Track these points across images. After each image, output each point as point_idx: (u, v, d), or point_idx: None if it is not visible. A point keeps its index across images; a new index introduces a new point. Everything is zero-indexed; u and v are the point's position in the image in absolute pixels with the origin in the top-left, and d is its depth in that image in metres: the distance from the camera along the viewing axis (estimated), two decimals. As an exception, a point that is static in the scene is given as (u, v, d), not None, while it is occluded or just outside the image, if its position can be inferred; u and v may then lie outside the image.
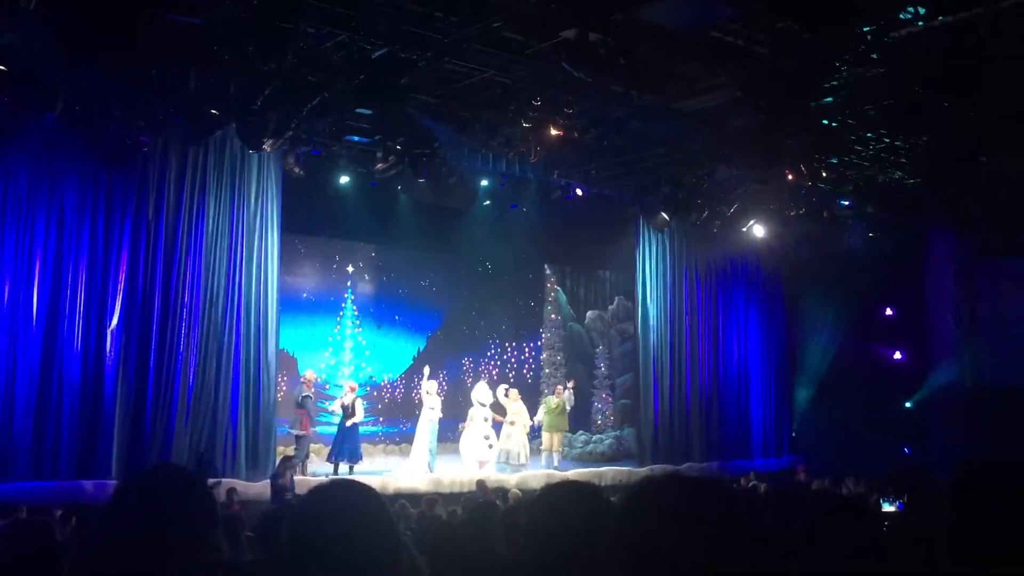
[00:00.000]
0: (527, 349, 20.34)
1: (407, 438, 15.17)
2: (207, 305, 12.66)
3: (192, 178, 12.59)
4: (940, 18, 8.89)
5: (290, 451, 13.33)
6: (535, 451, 16.11)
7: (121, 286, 12.06)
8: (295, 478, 12.12)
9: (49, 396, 11.57)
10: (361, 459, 14.45)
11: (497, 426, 15.54)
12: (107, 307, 12.00)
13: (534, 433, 16.20)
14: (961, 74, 9.75)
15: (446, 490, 13.61)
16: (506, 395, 15.84)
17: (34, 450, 11.40)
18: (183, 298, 12.47)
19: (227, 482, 11.65)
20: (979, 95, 10.46)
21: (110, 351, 11.93)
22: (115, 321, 11.98)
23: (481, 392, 15.63)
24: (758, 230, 16.61)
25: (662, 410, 17.07)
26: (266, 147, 11.27)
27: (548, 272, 19.76)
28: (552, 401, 16.43)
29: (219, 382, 12.71)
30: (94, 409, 11.80)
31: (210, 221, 12.77)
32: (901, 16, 8.95)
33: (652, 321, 17.21)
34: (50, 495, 10.87)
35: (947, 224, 16.53)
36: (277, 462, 12.42)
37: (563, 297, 19.79)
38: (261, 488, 12.19)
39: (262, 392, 13.12)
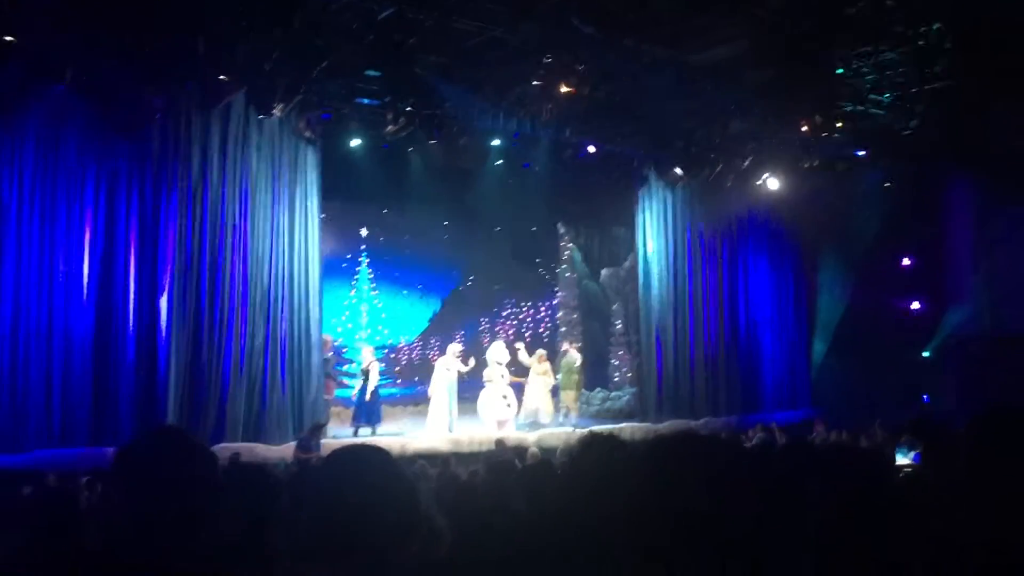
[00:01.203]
0: (542, 308, 20.39)
1: (426, 399, 15.26)
2: (254, 272, 12.77)
3: (234, 146, 12.54)
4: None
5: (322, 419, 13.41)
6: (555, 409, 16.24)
7: (170, 255, 12.08)
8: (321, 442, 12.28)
9: (106, 365, 11.67)
10: (381, 421, 14.59)
11: (515, 385, 15.61)
12: (158, 276, 12.03)
13: (554, 392, 16.32)
14: (974, 20, 9.59)
15: (465, 450, 13.69)
16: (531, 356, 15.96)
17: (94, 416, 11.51)
18: (230, 266, 12.56)
19: (247, 447, 11.81)
20: (991, 41, 10.30)
21: (164, 319, 11.98)
22: (166, 290, 12.02)
23: (498, 352, 15.68)
24: (772, 183, 16.45)
25: (666, 367, 16.82)
26: (276, 112, 11.25)
27: (562, 231, 19.70)
28: (561, 361, 16.52)
29: (267, 349, 12.84)
30: (149, 376, 11.87)
31: (253, 188, 12.80)
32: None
33: (655, 278, 16.93)
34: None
35: (964, 171, 16.36)
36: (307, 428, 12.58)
37: (577, 255, 19.75)
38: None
39: (308, 356, 13.28)
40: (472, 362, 15.44)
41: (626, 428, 15.70)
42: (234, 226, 12.62)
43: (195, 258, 12.30)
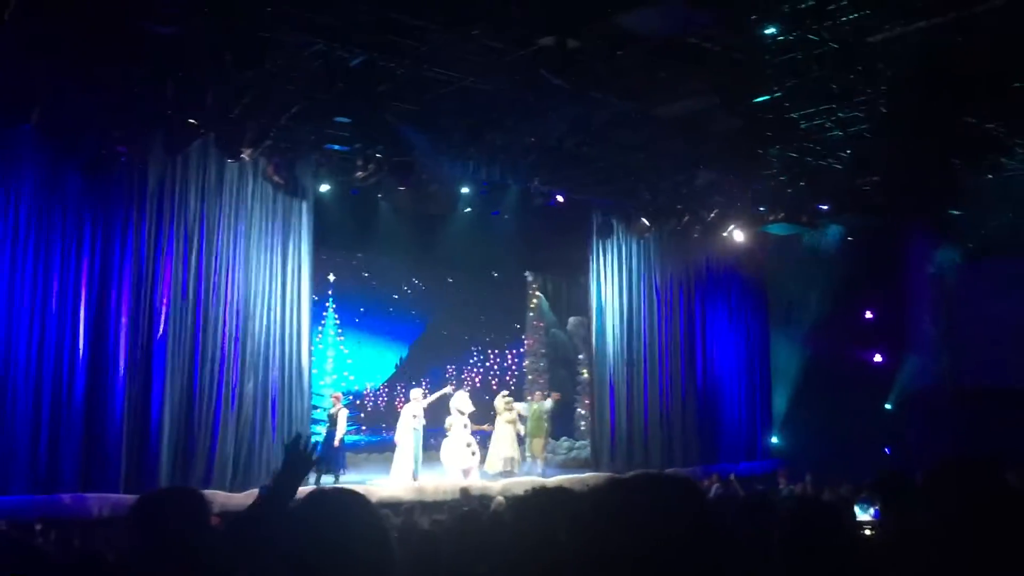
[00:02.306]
0: (509, 356, 20.36)
1: (391, 446, 15.13)
2: (246, 319, 12.95)
3: (228, 193, 12.76)
4: (916, 23, 8.94)
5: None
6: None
7: (164, 300, 12.19)
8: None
9: (95, 409, 11.63)
10: (345, 469, 14.43)
11: (477, 433, 15.52)
12: (152, 320, 12.11)
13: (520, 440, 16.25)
14: (936, 77, 9.83)
15: (430, 499, 13.58)
16: (505, 404, 15.91)
17: (84, 461, 11.47)
18: (223, 312, 12.73)
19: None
20: (954, 98, 10.55)
21: (155, 363, 12.05)
22: (159, 334, 12.10)
23: (461, 401, 15.60)
24: (737, 235, 16.63)
25: (618, 417, 16.67)
26: (244, 156, 11.24)
27: (530, 278, 19.77)
28: (534, 406, 16.51)
29: (257, 396, 12.98)
30: (142, 422, 11.89)
31: (247, 233, 13.05)
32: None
33: (609, 328, 16.86)
34: (93, 505, 11.15)
35: (925, 226, 16.65)
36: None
37: (545, 303, 19.81)
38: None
39: (298, 402, 13.46)
40: (432, 396, 15.32)
41: (590, 477, 15.64)
42: (226, 273, 12.79)
43: (189, 304, 12.42)
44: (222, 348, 12.69)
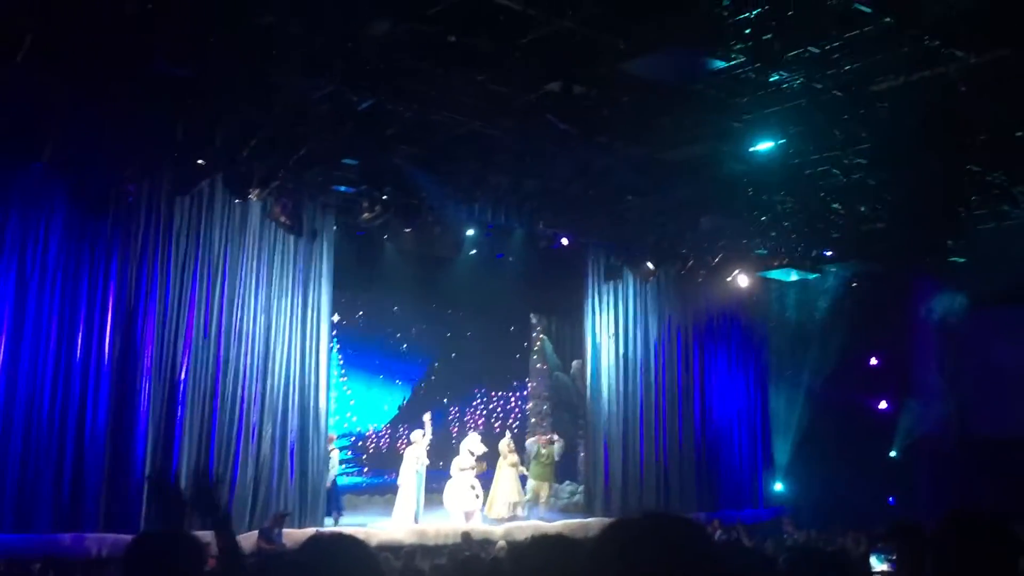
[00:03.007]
0: (513, 398, 20.29)
1: (393, 488, 15.02)
2: (266, 358, 13.05)
3: (253, 231, 12.93)
4: (919, 73, 9.03)
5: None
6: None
7: (187, 340, 12.31)
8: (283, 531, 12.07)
9: (118, 447, 11.68)
10: (343, 511, 14.33)
11: (482, 476, 15.43)
12: (177, 363, 12.22)
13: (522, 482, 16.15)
14: (940, 126, 9.90)
15: (431, 542, 13.45)
16: (509, 447, 15.84)
17: (106, 502, 11.49)
18: (244, 351, 12.84)
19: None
20: (958, 147, 10.62)
21: (178, 403, 12.13)
22: (182, 379, 12.22)
23: (473, 443, 15.52)
24: (742, 280, 16.64)
25: (612, 462, 16.39)
26: (252, 197, 11.32)
27: (534, 321, 19.76)
28: (542, 451, 16.39)
29: (276, 439, 13.06)
30: (163, 461, 11.93)
31: (268, 273, 13.21)
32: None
33: (604, 371, 16.61)
34: (92, 545, 11.14)
35: (929, 273, 16.66)
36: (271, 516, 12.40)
37: (549, 346, 19.77)
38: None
39: (316, 446, 13.53)
40: (429, 432, 15.20)
41: (594, 522, 15.50)
42: (249, 314, 12.92)
43: (211, 344, 12.54)
44: (243, 389, 12.79)
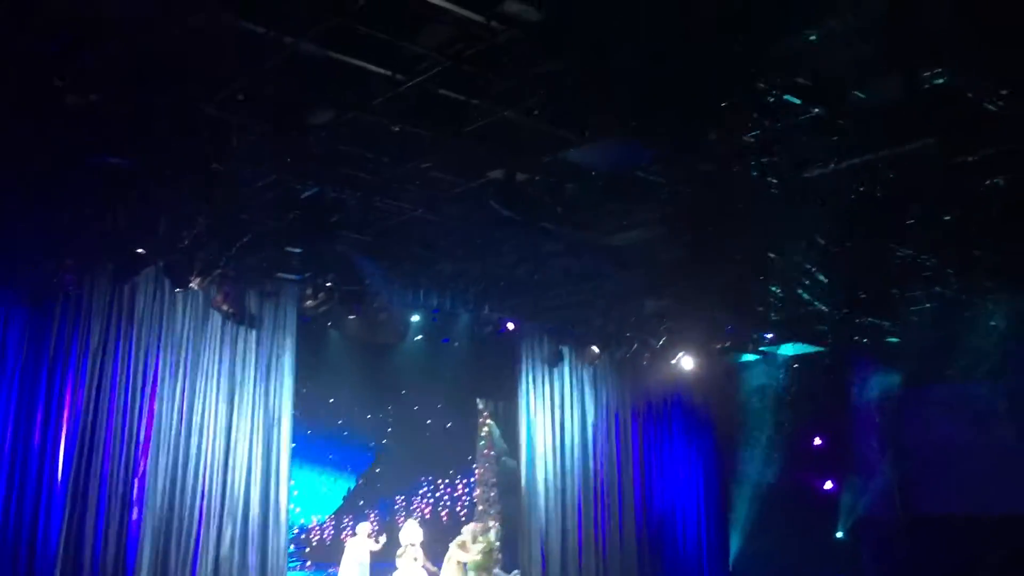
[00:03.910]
0: (460, 485, 20.00)
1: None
2: (227, 452, 12.88)
3: (215, 320, 12.79)
4: (849, 160, 9.33)
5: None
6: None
7: (147, 434, 12.13)
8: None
9: (71, 546, 11.40)
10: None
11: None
12: (134, 455, 12.02)
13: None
14: (870, 211, 10.22)
15: (376, 638, 13.07)
16: (459, 544, 15.46)
17: None
18: (206, 445, 12.66)
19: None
20: (889, 231, 10.94)
21: (137, 498, 11.93)
22: (141, 469, 12.04)
23: (411, 531, 15.15)
24: (686, 363, 16.71)
25: (550, 550, 15.93)
26: (193, 285, 11.19)
27: (480, 406, 19.61)
28: (478, 538, 15.94)
29: (236, 532, 12.81)
30: (122, 562, 11.71)
31: (231, 365, 13.08)
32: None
33: (540, 458, 16.27)
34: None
35: (868, 353, 16.94)
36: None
37: (496, 431, 19.59)
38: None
39: (275, 540, 13.22)
40: (383, 539, 14.91)
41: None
42: (208, 408, 12.77)
43: (171, 438, 12.36)
44: (203, 484, 12.57)
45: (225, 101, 8.13)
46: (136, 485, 11.93)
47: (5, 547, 10.86)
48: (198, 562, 12.34)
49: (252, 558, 12.87)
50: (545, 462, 16.27)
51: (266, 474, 13.24)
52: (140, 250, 10.55)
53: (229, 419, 12.96)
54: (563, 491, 16.37)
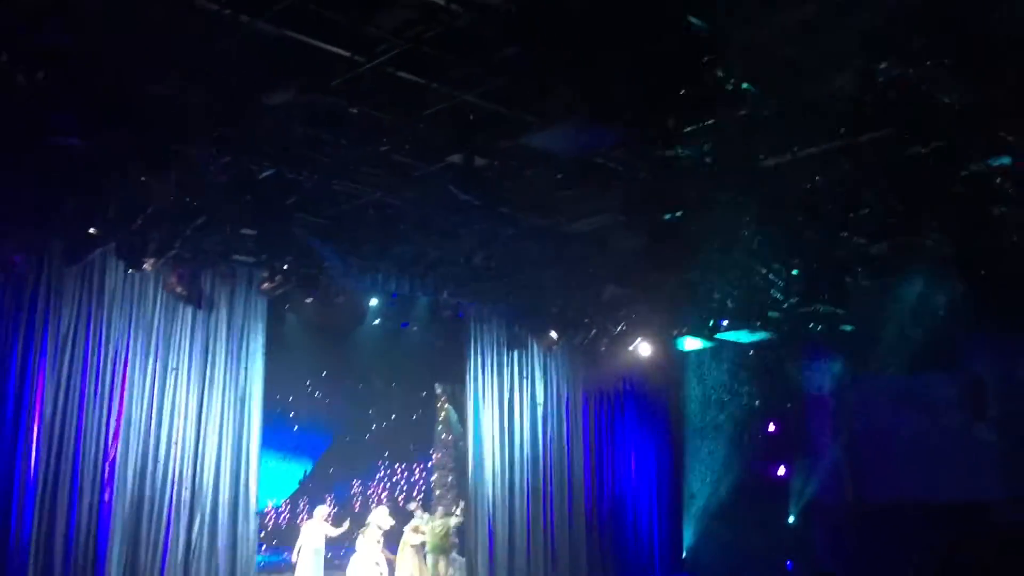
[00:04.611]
0: (417, 470, 19.98)
1: (291, 567, 14.54)
2: (197, 439, 12.83)
3: (194, 307, 12.59)
4: (806, 150, 9.42)
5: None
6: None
7: (118, 417, 12.06)
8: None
9: (48, 531, 11.37)
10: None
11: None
12: (103, 455, 11.93)
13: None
14: (825, 200, 10.34)
15: (332, 620, 13.06)
16: (413, 527, 15.48)
17: None
18: (175, 431, 12.65)
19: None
20: (843, 220, 11.07)
21: (108, 482, 11.87)
22: (111, 455, 11.99)
23: (381, 517, 15.15)
24: (644, 349, 16.80)
25: (498, 535, 15.80)
26: (147, 266, 11.01)
27: (439, 391, 19.58)
28: (436, 523, 15.97)
29: (207, 515, 12.77)
30: (94, 544, 11.67)
31: (204, 347, 13.07)
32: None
33: (488, 443, 16.10)
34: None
35: (821, 341, 17.15)
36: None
37: (454, 415, 19.57)
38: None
39: (245, 526, 13.16)
40: (347, 524, 14.90)
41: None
42: (180, 391, 12.74)
43: (142, 421, 12.31)
44: (173, 468, 12.55)
45: (178, 81, 7.99)
46: (107, 469, 11.86)
47: None
48: (168, 546, 12.31)
49: (222, 542, 12.83)
50: (493, 446, 16.14)
51: (236, 458, 13.21)
52: (92, 230, 10.34)
53: (200, 403, 12.94)
54: (511, 475, 16.28)
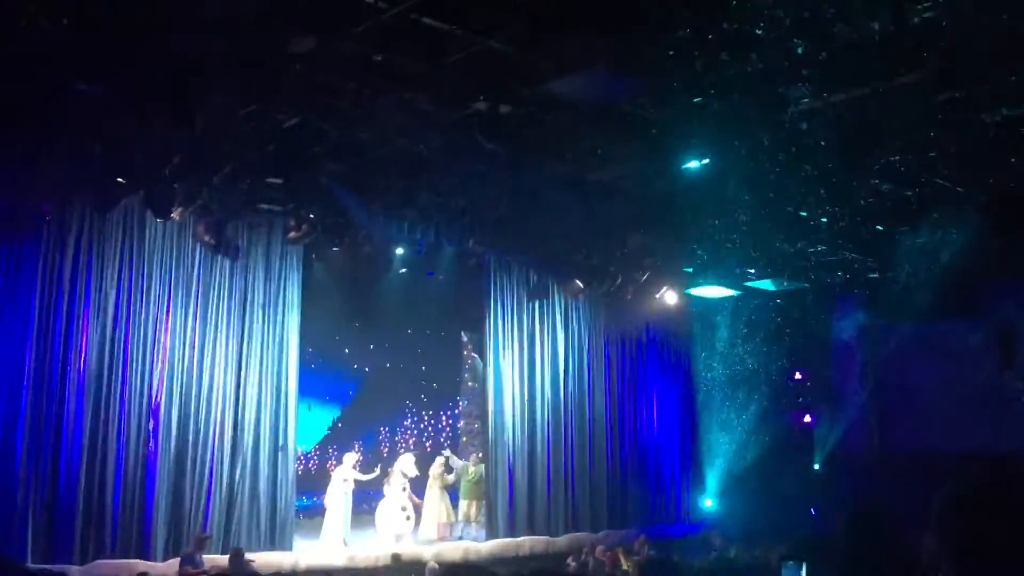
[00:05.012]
0: (444, 418, 20.18)
1: (321, 511, 14.82)
2: (238, 385, 13.30)
3: (224, 256, 12.80)
4: (834, 96, 9.27)
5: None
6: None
7: (163, 365, 12.54)
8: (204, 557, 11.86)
9: (98, 477, 11.86)
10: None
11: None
12: (154, 388, 12.45)
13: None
14: (856, 145, 10.18)
15: (360, 565, 13.31)
16: (440, 468, 15.74)
17: (83, 530, 11.59)
18: (218, 380, 13.09)
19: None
20: (874, 166, 10.92)
21: (153, 431, 12.34)
22: (156, 400, 12.45)
23: (407, 464, 15.37)
24: (670, 298, 16.76)
25: (517, 481, 15.90)
26: (174, 216, 11.11)
27: (465, 339, 19.70)
28: (470, 469, 16.28)
29: (247, 461, 13.21)
30: (141, 489, 12.14)
31: (242, 298, 13.48)
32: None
33: (504, 387, 16.11)
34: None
35: (851, 289, 17.06)
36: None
37: (479, 364, 19.70)
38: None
39: (285, 467, 13.62)
40: (377, 470, 15.14)
41: (525, 541, 15.47)
42: (220, 340, 13.15)
43: (184, 369, 12.77)
44: (216, 415, 12.96)
45: (202, 30, 7.96)
46: (152, 419, 12.27)
47: (27, 474, 11.23)
48: (212, 491, 12.76)
49: (263, 486, 13.25)
50: (513, 394, 16.20)
51: (276, 404, 13.58)
52: (120, 180, 10.41)
53: (240, 352, 13.32)
54: (532, 424, 16.37)
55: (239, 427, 13.15)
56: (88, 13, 7.36)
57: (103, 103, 8.71)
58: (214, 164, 10.58)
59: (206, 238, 12.62)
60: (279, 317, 13.75)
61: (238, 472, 13.07)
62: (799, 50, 8.39)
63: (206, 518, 12.62)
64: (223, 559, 11.92)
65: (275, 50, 8.13)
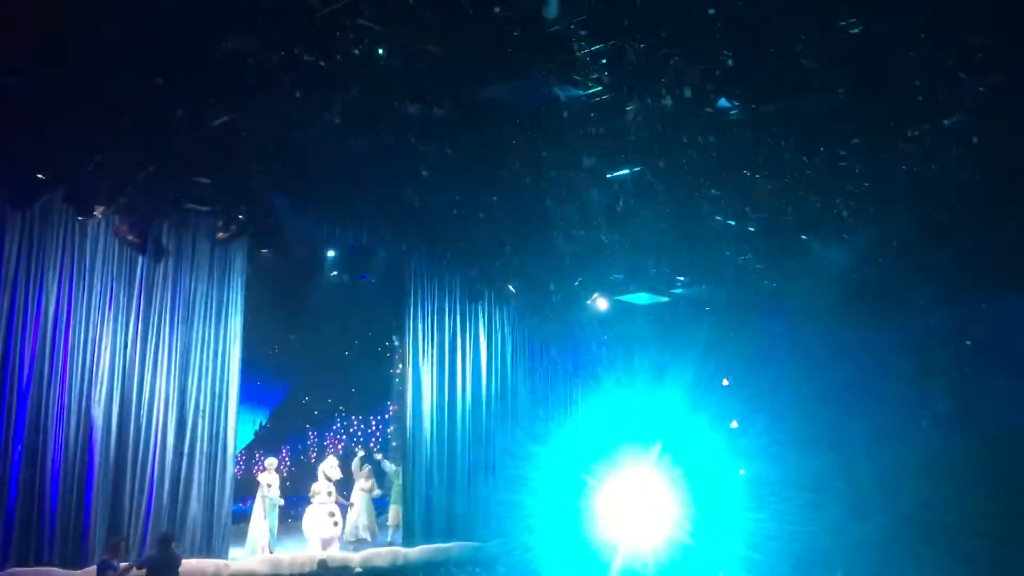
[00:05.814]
0: (373, 422, 20.05)
1: (246, 517, 14.56)
2: (181, 389, 12.97)
3: (153, 258, 12.55)
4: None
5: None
6: (381, 526, 15.85)
7: (103, 370, 12.18)
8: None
9: (38, 483, 11.47)
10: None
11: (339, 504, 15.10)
12: (93, 390, 12.08)
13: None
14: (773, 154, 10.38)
15: (286, 571, 13.14)
16: (361, 468, 15.58)
17: (21, 537, 11.22)
18: (159, 384, 12.76)
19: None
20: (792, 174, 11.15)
21: (90, 432, 11.98)
22: (97, 399, 12.10)
23: (330, 467, 15.15)
24: (601, 303, 16.82)
25: (435, 491, 15.63)
26: (97, 214, 10.82)
27: (396, 343, 19.57)
28: (400, 474, 16.11)
29: (185, 466, 12.89)
30: (79, 494, 11.78)
31: (186, 296, 13.12)
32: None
33: (427, 393, 15.85)
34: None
35: (768, 296, 17.26)
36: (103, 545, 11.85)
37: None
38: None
39: (223, 470, 13.28)
40: (337, 473, 14.84)
41: (453, 547, 15.33)
42: (162, 341, 12.83)
43: (125, 370, 12.42)
44: (159, 417, 12.68)
45: (131, 22, 7.80)
46: (90, 422, 11.96)
47: None
48: (153, 495, 12.47)
49: (201, 491, 12.99)
50: (432, 400, 15.92)
51: (215, 409, 13.31)
52: (40, 175, 10.11)
53: (183, 354, 13.04)
54: (451, 427, 16.15)
55: (180, 432, 12.89)
56: (13, 3, 7.16)
57: (25, 95, 8.46)
58: (139, 161, 10.32)
59: (130, 237, 12.34)
60: (222, 320, 13.48)
61: (180, 476, 12.82)
62: (728, 62, 8.56)
63: (146, 524, 12.32)
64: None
65: (205, 45, 7.99)
